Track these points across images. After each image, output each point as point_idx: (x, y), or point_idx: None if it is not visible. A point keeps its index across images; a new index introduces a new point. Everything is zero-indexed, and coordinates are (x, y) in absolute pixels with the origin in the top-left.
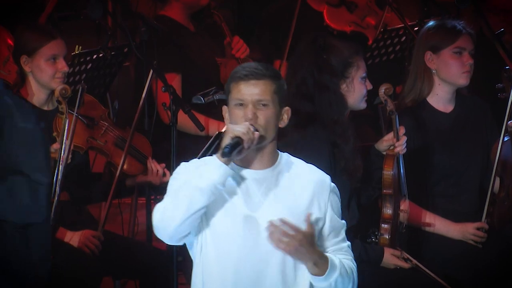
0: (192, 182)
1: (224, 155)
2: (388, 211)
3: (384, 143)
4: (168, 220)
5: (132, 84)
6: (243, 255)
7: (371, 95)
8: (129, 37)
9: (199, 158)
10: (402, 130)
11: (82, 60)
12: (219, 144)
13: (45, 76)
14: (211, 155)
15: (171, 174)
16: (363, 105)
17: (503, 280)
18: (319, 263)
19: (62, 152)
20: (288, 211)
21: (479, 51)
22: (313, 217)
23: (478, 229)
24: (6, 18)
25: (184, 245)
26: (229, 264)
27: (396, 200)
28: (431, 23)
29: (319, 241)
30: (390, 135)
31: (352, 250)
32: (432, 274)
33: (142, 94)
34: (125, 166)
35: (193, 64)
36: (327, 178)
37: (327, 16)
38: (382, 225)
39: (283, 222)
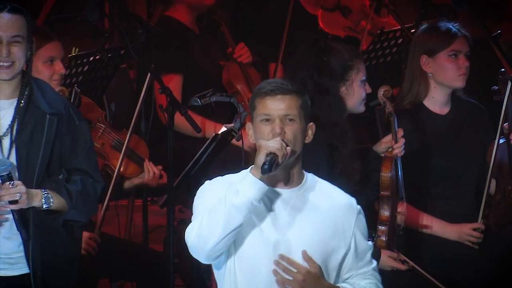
0: (228, 199)
1: (264, 172)
2: (385, 213)
3: (383, 145)
4: (205, 238)
5: (129, 86)
6: (272, 279)
7: (369, 97)
8: (126, 39)
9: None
10: (400, 132)
11: (79, 62)
12: (216, 146)
13: (42, 78)
14: (209, 159)
15: (168, 176)
16: (362, 108)
17: (500, 281)
18: None
19: None
20: (315, 232)
21: (474, 53)
22: (334, 244)
23: (474, 229)
24: None
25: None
26: (251, 278)
27: (393, 202)
28: (425, 26)
29: (344, 266)
30: (389, 137)
31: None
32: (429, 276)
33: (139, 96)
34: (122, 168)
35: (195, 66)
36: (353, 201)
37: (321, 21)
38: (379, 227)
39: (284, 259)
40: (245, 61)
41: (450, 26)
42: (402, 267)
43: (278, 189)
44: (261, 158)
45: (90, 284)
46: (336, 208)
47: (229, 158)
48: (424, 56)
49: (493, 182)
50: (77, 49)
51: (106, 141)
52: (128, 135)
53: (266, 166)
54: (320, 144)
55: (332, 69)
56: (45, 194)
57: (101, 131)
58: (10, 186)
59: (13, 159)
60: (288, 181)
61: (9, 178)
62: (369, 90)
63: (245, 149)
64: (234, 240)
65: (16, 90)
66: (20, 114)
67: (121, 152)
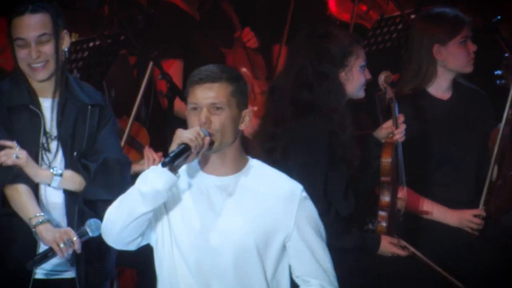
0: (136, 186)
1: (164, 164)
2: (385, 198)
3: (383, 131)
4: (111, 223)
5: (129, 73)
6: (197, 265)
7: (369, 84)
8: (125, 25)
9: None
10: (401, 118)
11: (78, 48)
12: None
13: None
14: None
15: None
16: (361, 94)
17: (500, 268)
18: None
19: None
20: (250, 219)
21: (475, 38)
22: (271, 232)
23: (475, 216)
24: (4, 6)
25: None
26: (186, 273)
27: (394, 187)
28: (430, 13)
29: (290, 261)
30: (389, 122)
31: (350, 239)
32: (430, 262)
33: (140, 82)
34: None
35: (196, 52)
36: (298, 188)
37: (333, 5)
38: (380, 212)
39: None
40: (252, 46)
41: (457, 13)
42: (403, 253)
43: (214, 176)
44: (171, 148)
45: None
46: (276, 195)
47: None
48: (436, 45)
49: (495, 168)
50: (76, 35)
51: None
52: (129, 123)
53: (167, 159)
54: (320, 130)
55: (332, 55)
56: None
57: None
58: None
59: (60, 154)
60: (224, 168)
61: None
62: (368, 76)
63: (246, 135)
64: (171, 227)
65: (56, 87)
66: (62, 109)
67: (120, 139)
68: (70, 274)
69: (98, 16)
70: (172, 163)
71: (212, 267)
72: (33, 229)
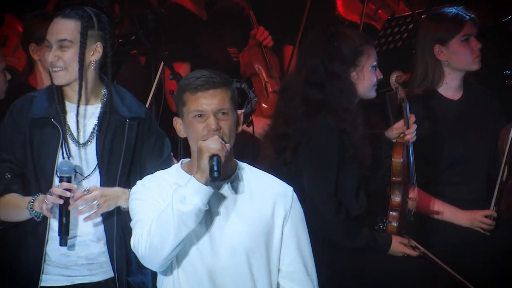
0: (175, 207)
1: (214, 179)
2: (396, 198)
3: (394, 131)
4: (157, 249)
5: (139, 72)
6: (204, 270)
7: (380, 84)
8: (137, 25)
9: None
10: (412, 118)
11: None
12: None
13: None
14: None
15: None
16: (372, 94)
17: (511, 269)
18: None
19: None
20: (248, 223)
21: (484, 37)
22: (268, 234)
23: (486, 217)
24: (17, 6)
25: None
26: (193, 279)
27: (404, 188)
28: (431, 14)
29: (284, 254)
30: (400, 123)
31: (360, 239)
32: (440, 262)
33: (150, 82)
34: None
35: (203, 53)
36: (289, 189)
37: (340, 6)
38: (390, 212)
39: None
40: (269, 45)
41: (457, 11)
42: (413, 253)
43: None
44: (205, 162)
45: None
46: (270, 197)
47: (239, 144)
48: (437, 45)
49: (506, 168)
50: None
51: None
52: None
53: (216, 174)
54: (331, 129)
55: (343, 55)
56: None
57: None
58: (85, 192)
59: (95, 165)
60: None
61: (68, 180)
62: (380, 76)
63: (256, 136)
64: None
65: (97, 96)
66: (101, 120)
67: None
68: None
69: (109, 15)
70: (220, 176)
71: (220, 272)
72: (31, 211)
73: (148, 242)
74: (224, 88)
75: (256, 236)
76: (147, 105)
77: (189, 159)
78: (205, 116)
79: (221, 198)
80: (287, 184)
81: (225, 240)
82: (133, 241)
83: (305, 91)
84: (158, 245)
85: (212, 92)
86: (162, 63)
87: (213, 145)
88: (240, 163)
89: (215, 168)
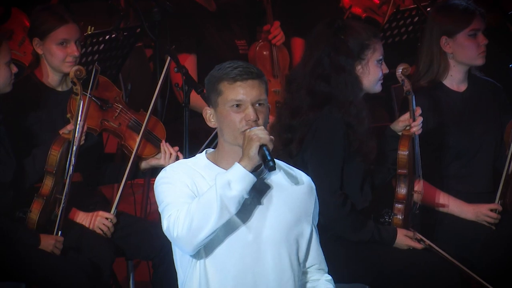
0: (219, 191)
1: (271, 169)
2: (402, 191)
3: (400, 124)
4: (196, 230)
5: (145, 65)
6: (240, 267)
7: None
8: (142, 18)
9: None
10: (418, 111)
11: (94, 40)
12: None
13: (55, 60)
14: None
15: (184, 156)
16: (378, 88)
17: None
18: None
19: (76, 133)
20: (283, 214)
21: (490, 31)
22: (301, 224)
23: (491, 210)
24: (23, 0)
25: None
26: (228, 276)
27: (410, 180)
28: (440, 5)
29: (307, 251)
30: (406, 115)
31: (366, 232)
32: (446, 255)
33: (156, 75)
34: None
35: (209, 44)
36: (311, 181)
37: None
38: (396, 205)
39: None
40: (278, 44)
41: (467, 5)
42: (418, 245)
43: None
44: (254, 151)
45: (105, 262)
46: (299, 187)
47: None
48: (444, 37)
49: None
50: (92, 28)
51: (123, 121)
52: (146, 117)
53: (271, 163)
54: (337, 122)
55: (349, 48)
56: None
57: (118, 111)
58: None
59: None
60: None
61: None
62: (386, 71)
63: None
64: None
65: None
66: None
67: (137, 133)
68: None
69: (114, 8)
70: (275, 165)
71: (253, 264)
72: None
73: (186, 223)
74: (261, 79)
75: (286, 226)
76: (153, 98)
77: (213, 149)
78: (243, 106)
79: (253, 189)
80: (306, 174)
81: (254, 230)
82: (167, 222)
83: (311, 83)
84: (198, 227)
85: (251, 83)
86: (168, 58)
87: (263, 135)
88: None
89: (269, 158)
